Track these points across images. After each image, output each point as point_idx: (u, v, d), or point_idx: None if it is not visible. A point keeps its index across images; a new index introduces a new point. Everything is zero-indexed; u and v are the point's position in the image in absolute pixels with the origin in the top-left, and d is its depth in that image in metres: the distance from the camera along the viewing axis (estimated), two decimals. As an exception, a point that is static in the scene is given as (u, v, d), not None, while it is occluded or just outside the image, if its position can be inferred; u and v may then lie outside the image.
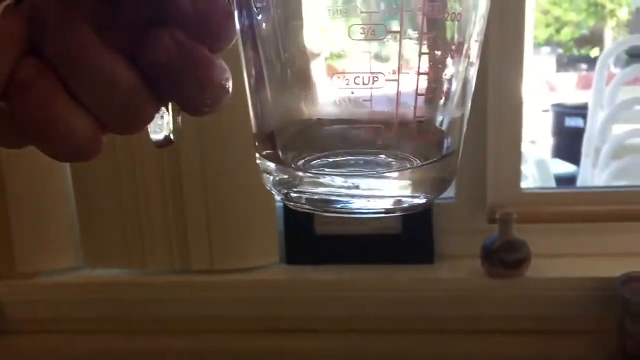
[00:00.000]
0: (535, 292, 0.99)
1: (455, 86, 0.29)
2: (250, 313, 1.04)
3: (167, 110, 0.30)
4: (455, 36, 0.28)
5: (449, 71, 0.28)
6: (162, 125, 0.30)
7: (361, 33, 0.27)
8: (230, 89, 0.28)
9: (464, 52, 0.28)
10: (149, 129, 0.29)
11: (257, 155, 0.31)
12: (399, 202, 0.29)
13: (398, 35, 0.27)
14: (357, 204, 0.29)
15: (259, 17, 0.28)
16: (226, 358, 1.05)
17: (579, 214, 1.04)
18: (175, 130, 0.30)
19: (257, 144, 0.31)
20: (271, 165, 0.30)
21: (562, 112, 2.71)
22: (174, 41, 0.26)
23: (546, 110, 2.93)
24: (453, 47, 0.28)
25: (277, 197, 0.31)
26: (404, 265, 1.03)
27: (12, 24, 0.25)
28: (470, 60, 0.29)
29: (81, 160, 0.27)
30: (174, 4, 0.26)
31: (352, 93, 0.28)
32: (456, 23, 0.28)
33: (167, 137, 0.30)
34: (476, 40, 0.28)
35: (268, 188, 0.31)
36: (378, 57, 0.27)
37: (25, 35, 0.25)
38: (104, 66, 0.25)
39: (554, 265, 1.01)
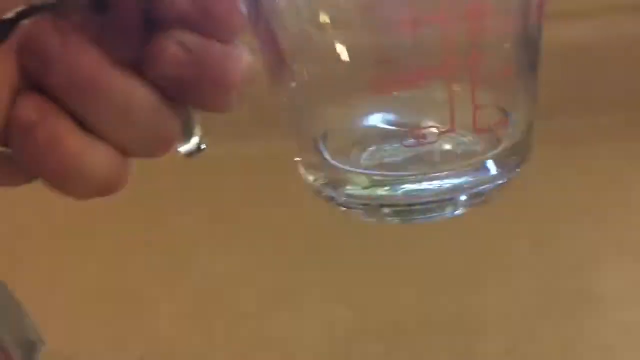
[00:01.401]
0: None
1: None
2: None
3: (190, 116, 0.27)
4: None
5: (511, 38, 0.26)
6: (187, 133, 0.27)
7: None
8: (254, 75, 0.25)
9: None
10: None
11: (302, 162, 0.29)
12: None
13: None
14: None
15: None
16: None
17: None
18: (204, 135, 0.27)
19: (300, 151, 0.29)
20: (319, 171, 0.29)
21: None
22: (180, 47, 0.23)
23: None
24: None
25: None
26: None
27: (1, 61, 0.22)
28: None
29: (106, 195, 0.24)
30: (171, 4, 0.23)
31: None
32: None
33: (198, 145, 0.27)
34: None
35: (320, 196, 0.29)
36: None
37: (19, 71, 0.22)
38: (119, 89, 0.22)
39: None
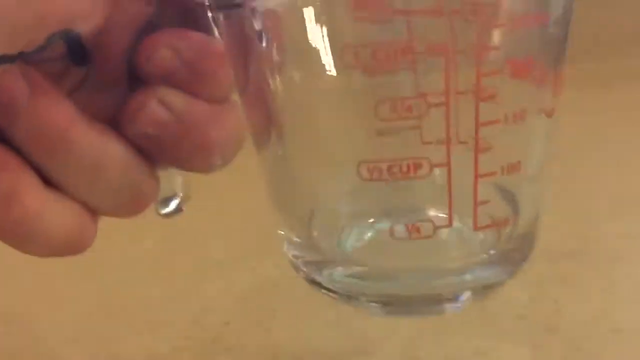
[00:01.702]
0: None
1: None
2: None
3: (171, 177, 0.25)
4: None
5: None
6: (168, 192, 0.25)
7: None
8: (244, 139, 0.23)
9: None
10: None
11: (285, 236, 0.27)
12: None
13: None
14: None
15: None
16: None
17: None
18: (185, 195, 0.26)
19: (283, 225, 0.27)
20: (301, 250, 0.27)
21: None
22: (161, 106, 0.21)
23: None
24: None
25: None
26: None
27: None
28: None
29: (69, 254, 0.22)
30: (157, 59, 0.21)
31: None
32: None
33: (178, 207, 0.26)
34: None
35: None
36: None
37: None
38: (90, 146, 0.21)
39: None
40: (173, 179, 0.25)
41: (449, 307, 0.26)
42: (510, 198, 0.25)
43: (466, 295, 0.25)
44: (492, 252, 0.26)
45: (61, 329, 0.35)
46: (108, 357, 0.32)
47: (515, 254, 0.26)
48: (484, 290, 0.26)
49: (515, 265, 0.26)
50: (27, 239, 0.21)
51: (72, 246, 0.22)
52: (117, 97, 0.22)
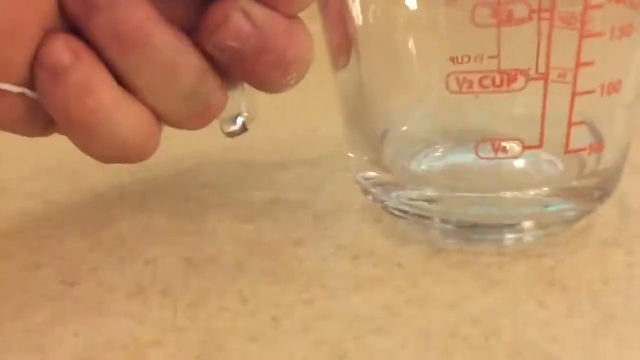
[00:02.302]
0: None
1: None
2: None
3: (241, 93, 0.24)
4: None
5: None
6: (234, 110, 0.25)
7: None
8: (313, 58, 0.22)
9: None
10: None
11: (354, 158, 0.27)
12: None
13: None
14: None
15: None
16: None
17: None
18: (251, 114, 0.25)
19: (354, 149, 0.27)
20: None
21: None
22: (246, 19, 0.20)
23: None
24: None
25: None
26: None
27: None
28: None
29: (129, 162, 0.22)
30: None
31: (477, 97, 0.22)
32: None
33: (243, 126, 0.25)
34: None
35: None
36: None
37: (58, 9, 0.20)
38: (168, 48, 0.20)
39: None
40: (239, 97, 0.25)
41: (513, 237, 0.25)
42: (605, 123, 0.23)
43: (532, 227, 0.24)
44: (574, 183, 0.25)
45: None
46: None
47: (593, 192, 0.25)
48: (561, 223, 0.25)
49: (592, 203, 0.25)
50: (94, 134, 0.20)
51: (135, 151, 0.22)
52: (193, 8, 0.21)
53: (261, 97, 0.24)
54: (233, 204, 0.30)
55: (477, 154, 0.23)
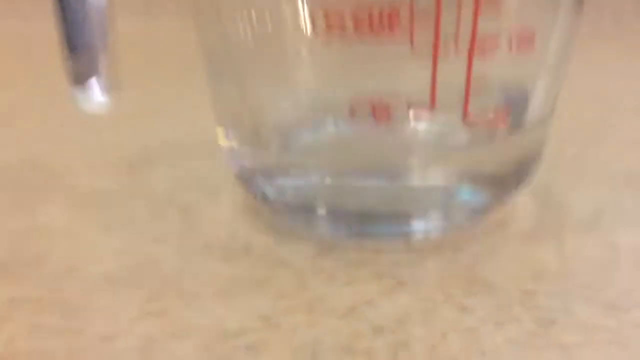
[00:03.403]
0: None
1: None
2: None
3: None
4: None
5: None
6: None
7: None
8: None
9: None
10: None
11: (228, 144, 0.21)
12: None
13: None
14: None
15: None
16: None
17: None
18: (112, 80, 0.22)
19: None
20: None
21: None
22: None
23: None
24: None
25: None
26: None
27: None
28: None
29: None
30: None
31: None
32: None
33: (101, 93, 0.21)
34: None
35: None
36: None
37: None
38: None
39: None
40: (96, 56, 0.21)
41: (417, 229, 0.20)
42: (517, 90, 0.19)
43: (440, 217, 0.20)
44: (486, 166, 0.20)
45: None
46: None
47: (511, 176, 0.20)
48: (467, 213, 0.20)
49: (510, 189, 0.21)
50: None
51: None
52: None
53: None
54: (76, 193, 0.24)
55: (352, 116, 0.18)
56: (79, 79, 0.22)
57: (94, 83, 0.22)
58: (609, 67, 0.44)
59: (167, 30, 0.52)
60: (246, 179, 0.21)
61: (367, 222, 0.20)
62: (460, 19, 0.17)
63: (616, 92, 0.38)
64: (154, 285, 0.18)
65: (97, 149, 0.29)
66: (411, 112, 0.18)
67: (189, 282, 0.18)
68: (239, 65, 0.20)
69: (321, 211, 0.20)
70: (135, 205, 0.23)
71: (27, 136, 0.31)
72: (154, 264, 0.19)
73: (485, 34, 0.17)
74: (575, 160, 0.27)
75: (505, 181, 0.20)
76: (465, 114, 0.18)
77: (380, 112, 0.17)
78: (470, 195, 0.20)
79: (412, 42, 0.17)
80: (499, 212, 0.22)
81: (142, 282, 0.18)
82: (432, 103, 0.18)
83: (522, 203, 0.23)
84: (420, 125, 0.19)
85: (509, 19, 0.17)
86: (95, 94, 0.23)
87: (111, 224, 0.22)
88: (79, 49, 0.22)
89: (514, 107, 0.20)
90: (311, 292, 0.18)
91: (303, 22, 0.18)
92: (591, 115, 0.33)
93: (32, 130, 0.32)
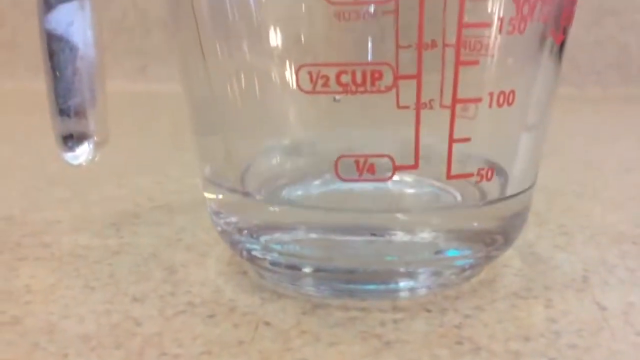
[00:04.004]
0: None
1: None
2: None
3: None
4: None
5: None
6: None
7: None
8: None
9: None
10: None
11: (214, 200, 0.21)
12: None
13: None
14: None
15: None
16: None
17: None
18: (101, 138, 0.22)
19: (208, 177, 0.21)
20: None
21: None
22: None
23: None
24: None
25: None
26: None
27: None
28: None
29: None
30: None
31: (336, 99, 0.18)
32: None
33: (90, 151, 0.21)
34: None
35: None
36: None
37: None
38: None
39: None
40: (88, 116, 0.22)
41: (404, 287, 0.20)
42: (500, 145, 0.19)
43: (427, 275, 0.20)
44: (475, 224, 0.20)
45: None
46: None
47: (497, 234, 0.20)
48: (454, 271, 0.20)
49: (495, 246, 0.20)
50: None
51: None
52: None
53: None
54: (58, 251, 0.24)
55: (337, 174, 0.18)
56: (67, 139, 0.22)
57: (82, 143, 0.22)
58: (594, 130, 0.45)
59: (158, 92, 0.53)
60: (231, 236, 0.21)
61: (353, 280, 0.20)
62: (444, 79, 0.18)
63: (601, 154, 0.38)
64: (133, 346, 0.18)
65: (82, 206, 0.29)
66: (396, 170, 0.18)
67: (169, 343, 0.18)
68: (225, 121, 0.20)
69: (307, 269, 0.20)
70: (118, 263, 0.23)
71: (12, 193, 0.31)
72: (135, 324, 0.19)
73: (466, 93, 0.17)
74: (561, 219, 0.27)
75: (491, 239, 0.20)
76: (448, 172, 0.18)
77: (366, 169, 0.17)
78: (457, 253, 0.20)
79: (397, 101, 0.18)
80: (486, 270, 0.22)
81: (121, 343, 0.18)
82: (416, 162, 0.18)
83: (509, 262, 0.22)
84: (405, 182, 0.19)
85: (490, 78, 0.18)
86: (82, 153, 0.23)
87: (93, 282, 0.21)
88: (68, 109, 0.22)
89: (497, 165, 0.20)
90: (295, 354, 0.17)
91: (289, 82, 0.18)
92: (577, 176, 0.34)
93: (17, 187, 0.32)
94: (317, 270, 0.20)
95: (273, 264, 0.20)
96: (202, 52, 0.19)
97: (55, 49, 0.21)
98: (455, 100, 0.17)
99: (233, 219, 0.21)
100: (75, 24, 0.21)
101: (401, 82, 0.17)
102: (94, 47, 0.22)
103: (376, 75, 0.16)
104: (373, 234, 0.19)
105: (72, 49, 0.21)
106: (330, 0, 0.16)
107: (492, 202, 0.20)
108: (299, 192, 0.21)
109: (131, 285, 0.21)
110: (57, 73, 0.22)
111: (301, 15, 0.18)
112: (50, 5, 0.21)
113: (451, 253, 0.20)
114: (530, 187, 0.21)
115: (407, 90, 0.17)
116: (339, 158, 0.18)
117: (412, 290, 0.20)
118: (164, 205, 0.29)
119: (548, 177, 0.31)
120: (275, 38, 0.18)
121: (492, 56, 0.18)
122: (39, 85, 0.24)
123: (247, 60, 0.19)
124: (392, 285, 0.20)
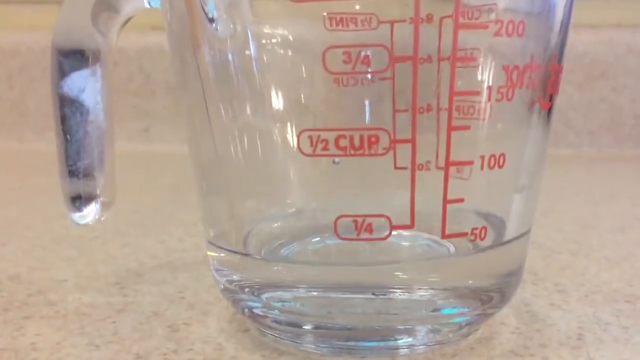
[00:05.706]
0: None
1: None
2: None
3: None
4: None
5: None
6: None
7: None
8: None
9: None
10: None
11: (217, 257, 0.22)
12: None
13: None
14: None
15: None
16: None
17: None
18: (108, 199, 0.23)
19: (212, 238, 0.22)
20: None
21: None
22: None
23: None
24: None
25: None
26: None
27: None
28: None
29: None
30: None
31: (336, 162, 0.19)
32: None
33: (97, 212, 0.23)
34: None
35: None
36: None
37: None
38: None
39: None
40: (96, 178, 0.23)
41: (403, 344, 0.20)
42: (492, 205, 0.20)
43: (425, 332, 0.20)
44: (470, 282, 0.21)
45: None
46: None
47: (493, 292, 0.21)
48: (452, 328, 0.21)
49: (492, 303, 0.21)
50: None
51: None
52: None
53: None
54: (63, 309, 0.24)
55: (336, 233, 0.19)
56: (75, 199, 0.23)
57: (89, 204, 0.23)
58: (589, 189, 0.46)
59: (163, 153, 0.54)
60: (233, 294, 0.22)
61: (353, 337, 0.20)
62: (439, 141, 0.18)
63: (596, 213, 0.39)
64: (137, 402, 0.18)
65: (87, 265, 0.29)
66: (393, 230, 0.19)
67: (173, 399, 0.18)
68: (228, 181, 0.21)
69: (307, 326, 0.20)
70: (122, 321, 0.23)
71: (18, 252, 0.32)
72: (139, 381, 0.19)
73: (459, 156, 0.18)
74: (557, 278, 0.27)
75: (487, 296, 0.21)
76: (443, 231, 0.19)
77: (364, 228, 0.18)
78: (453, 311, 0.20)
79: (394, 163, 0.18)
80: (483, 328, 0.22)
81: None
82: (412, 221, 0.19)
83: (506, 320, 0.23)
84: (402, 241, 0.20)
85: (481, 142, 0.18)
86: (90, 213, 0.24)
87: (97, 340, 0.22)
88: (78, 170, 0.23)
89: (491, 224, 0.20)
90: (296, 409, 0.18)
91: (291, 145, 0.19)
92: (572, 235, 0.34)
93: (24, 247, 0.32)
94: (317, 327, 0.20)
95: (274, 321, 0.21)
96: (208, 114, 0.20)
97: (67, 112, 0.22)
98: (448, 162, 0.18)
99: (235, 277, 0.22)
100: (87, 89, 0.22)
101: (398, 145, 0.18)
102: (103, 111, 0.23)
103: (373, 139, 0.17)
104: (374, 294, 0.19)
105: (83, 113, 0.22)
106: (330, 70, 0.17)
107: (486, 259, 0.21)
108: (298, 250, 0.22)
109: (135, 343, 0.22)
110: (68, 136, 0.22)
111: (302, 80, 0.20)
112: (64, 72, 0.22)
113: (448, 310, 0.20)
114: (523, 245, 0.21)
115: (405, 152, 0.18)
116: (338, 218, 0.18)
117: (410, 347, 0.20)
118: (166, 264, 0.29)
119: (544, 235, 0.32)
120: (277, 102, 0.20)
121: (483, 120, 0.19)
122: (45, 147, 0.24)
123: (251, 123, 0.20)
124: (391, 342, 0.20)
